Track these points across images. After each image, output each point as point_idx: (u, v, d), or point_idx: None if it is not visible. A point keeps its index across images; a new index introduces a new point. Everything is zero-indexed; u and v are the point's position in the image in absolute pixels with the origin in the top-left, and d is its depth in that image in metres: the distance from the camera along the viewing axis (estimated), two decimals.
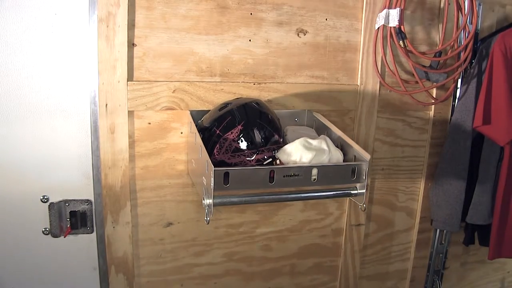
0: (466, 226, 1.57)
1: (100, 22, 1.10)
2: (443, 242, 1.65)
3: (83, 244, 1.26)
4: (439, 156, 1.54)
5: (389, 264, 1.65)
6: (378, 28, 1.33)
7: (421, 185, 1.57)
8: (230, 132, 1.07)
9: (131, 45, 1.16)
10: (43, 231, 1.21)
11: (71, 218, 1.22)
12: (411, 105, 1.48)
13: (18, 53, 1.10)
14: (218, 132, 1.08)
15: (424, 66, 1.37)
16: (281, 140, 1.13)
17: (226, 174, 0.96)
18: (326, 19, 1.32)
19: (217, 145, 1.07)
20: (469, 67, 1.45)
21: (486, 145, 1.46)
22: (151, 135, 1.23)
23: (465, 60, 1.38)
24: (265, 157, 1.08)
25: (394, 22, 1.29)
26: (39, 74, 1.13)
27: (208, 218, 0.99)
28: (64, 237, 1.23)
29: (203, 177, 1.02)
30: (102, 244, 1.25)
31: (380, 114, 1.45)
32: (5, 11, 1.07)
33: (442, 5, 1.43)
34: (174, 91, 1.20)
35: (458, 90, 1.50)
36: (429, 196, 1.55)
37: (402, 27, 1.30)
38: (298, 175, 1.02)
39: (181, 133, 1.25)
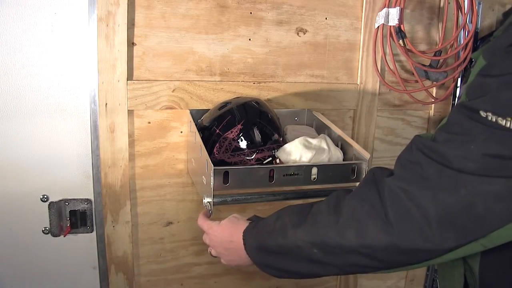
0: None
1: (99, 21, 1.10)
2: None
3: (83, 243, 1.26)
4: None
5: None
6: (378, 27, 1.33)
7: None
8: (229, 131, 1.07)
9: (130, 44, 1.16)
10: (42, 231, 1.21)
11: (71, 218, 1.22)
12: (411, 104, 1.48)
13: (17, 52, 1.10)
14: (218, 131, 1.08)
15: (424, 65, 1.37)
16: (281, 139, 1.13)
17: (226, 173, 0.96)
18: (326, 18, 1.32)
19: (217, 144, 1.07)
20: (469, 66, 1.45)
21: None
22: (151, 134, 1.23)
23: (465, 59, 1.38)
24: (265, 156, 1.08)
25: (393, 21, 1.29)
26: (38, 73, 1.12)
27: (210, 212, 0.99)
28: (64, 236, 1.23)
29: (203, 176, 1.02)
30: (102, 243, 1.25)
31: (380, 113, 1.45)
32: (4, 10, 1.06)
33: (442, 4, 1.43)
34: (173, 90, 1.20)
35: (458, 89, 1.50)
36: None
37: (402, 26, 1.30)
38: (298, 174, 1.02)
39: (181, 132, 1.25)
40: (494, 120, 0.59)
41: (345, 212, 0.68)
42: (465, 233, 0.61)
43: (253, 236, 0.81)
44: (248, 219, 0.88)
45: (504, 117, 0.58)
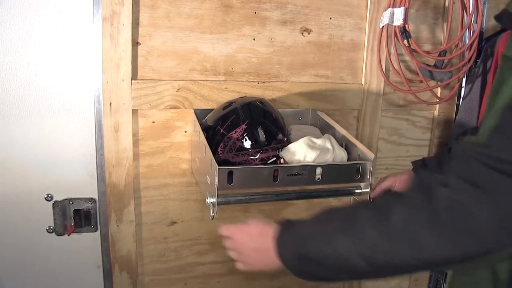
0: None
1: (104, 21, 1.10)
2: None
3: (87, 242, 1.26)
4: None
5: None
6: (383, 27, 1.33)
7: None
8: (234, 131, 1.07)
9: (135, 43, 1.16)
10: (47, 230, 1.22)
11: (75, 217, 1.22)
12: (415, 104, 1.47)
13: (22, 51, 1.10)
14: (222, 131, 1.08)
15: (429, 65, 1.37)
16: (285, 139, 1.12)
17: (230, 173, 0.96)
18: (331, 18, 1.32)
19: (221, 144, 1.07)
20: (473, 66, 1.44)
21: None
22: (155, 133, 1.23)
23: (469, 59, 1.38)
24: (269, 156, 1.08)
25: (398, 21, 1.28)
26: (43, 72, 1.13)
27: (213, 214, 0.99)
28: (68, 235, 1.23)
29: (207, 176, 1.02)
30: (106, 243, 1.25)
31: (384, 113, 1.45)
32: (10, 10, 1.07)
33: (446, 4, 1.42)
34: (178, 90, 1.20)
35: (463, 90, 1.49)
36: None
37: (406, 26, 1.30)
38: (302, 174, 1.01)
39: (185, 132, 1.25)
40: None
41: (397, 223, 0.63)
42: None
43: (289, 242, 0.74)
44: (279, 222, 0.80)
45: None
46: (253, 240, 0.80)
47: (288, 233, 0.75)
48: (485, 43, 1.45)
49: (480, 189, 0.59)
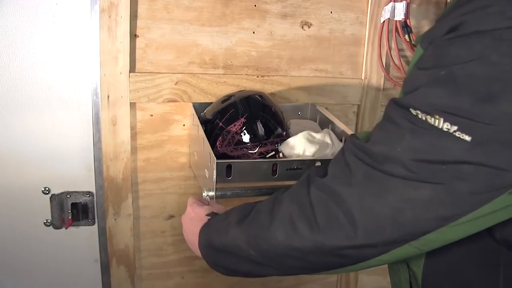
0: None
1: (102, 13, 1.09)
2: None
3: (85, 236, 1.25)
4: None
5: None
6: (384, 21, 1.32)
7: None
8: (233, 125, 1.06)
9: (133, 36, 1.15)
10: (44, 223, 1.21)
11: (72, 210, 1.22)
12: None
13: (19, 43, 1.09)
14: (221, 124, 1.07)
15: None
16: (284, 133, 1.12)
17: (229, 167, 0.95)
18: (331, 12, 1.31)
19: (220, 138, 1.07)
20: None
21: None
22: (153, 127, 1.22)
23: None
24: (268, 150, 1.07)
25: (400, 15, 1.27)
26: (40, 65, 1.12)
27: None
28: (66, 229, 1.23)
29: (206, 170, 1.01)
30: (103, 236, 1.25)
31: (384, 108, 1.44)
32: (6, 0, 1.06)
33: None
34: (176, 83, 1.19)
35: None
36: None
37: (408, 21, 1.29)
38: (301, 168, 1.01)
39: (184, 125, 1.25)
40: (424, 118, 0.54)
41: (278, 213, 0.66)
42: (390, 239, 0.58)
43: (204, 233, 0.80)
44: (206, 215, 0.86)
45: (432, 115, 0.53)
46: (192, 222, 0.87)
47: (207, 225, 0.81)
48: None
49: (350, 180, 0.60)
